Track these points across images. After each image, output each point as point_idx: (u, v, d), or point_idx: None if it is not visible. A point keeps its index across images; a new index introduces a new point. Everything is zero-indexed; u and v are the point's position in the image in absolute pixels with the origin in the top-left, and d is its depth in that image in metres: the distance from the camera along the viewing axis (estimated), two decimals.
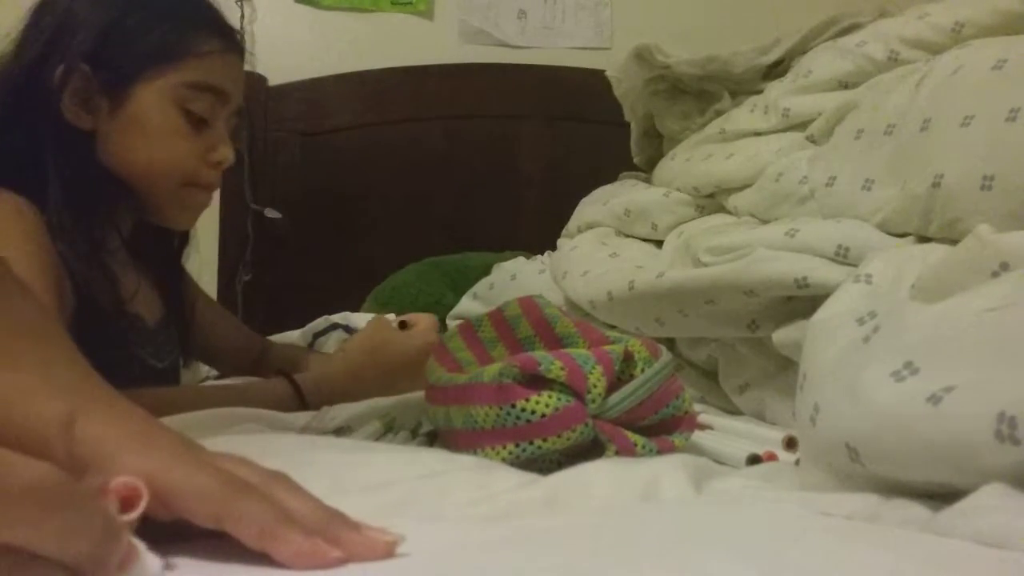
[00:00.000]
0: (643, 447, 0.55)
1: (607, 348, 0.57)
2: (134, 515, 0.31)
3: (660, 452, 0.56)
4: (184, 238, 1.02)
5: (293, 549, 0.32)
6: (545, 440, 0.53)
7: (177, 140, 0.85)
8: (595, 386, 0.54)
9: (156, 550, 0.32)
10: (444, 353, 0.69)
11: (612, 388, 0.55)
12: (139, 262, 0.93)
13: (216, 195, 1.91)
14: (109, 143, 0.84)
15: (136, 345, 0.88)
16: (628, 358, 0.57)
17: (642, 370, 0.57)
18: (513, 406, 0.53)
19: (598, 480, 0.47)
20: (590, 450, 0.54)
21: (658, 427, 0.57)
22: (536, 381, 0.54)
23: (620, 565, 0.31)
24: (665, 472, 0.48)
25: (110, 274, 0.83)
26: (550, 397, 0.53)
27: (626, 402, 0.55)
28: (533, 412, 0.53)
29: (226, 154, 0.89)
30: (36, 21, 0.84)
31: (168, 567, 0.32)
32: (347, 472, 0.46)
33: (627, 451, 0.54)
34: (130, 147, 0.84)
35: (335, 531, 0.34)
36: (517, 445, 0.54)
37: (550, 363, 0.54)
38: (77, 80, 0.81)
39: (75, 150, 0.81)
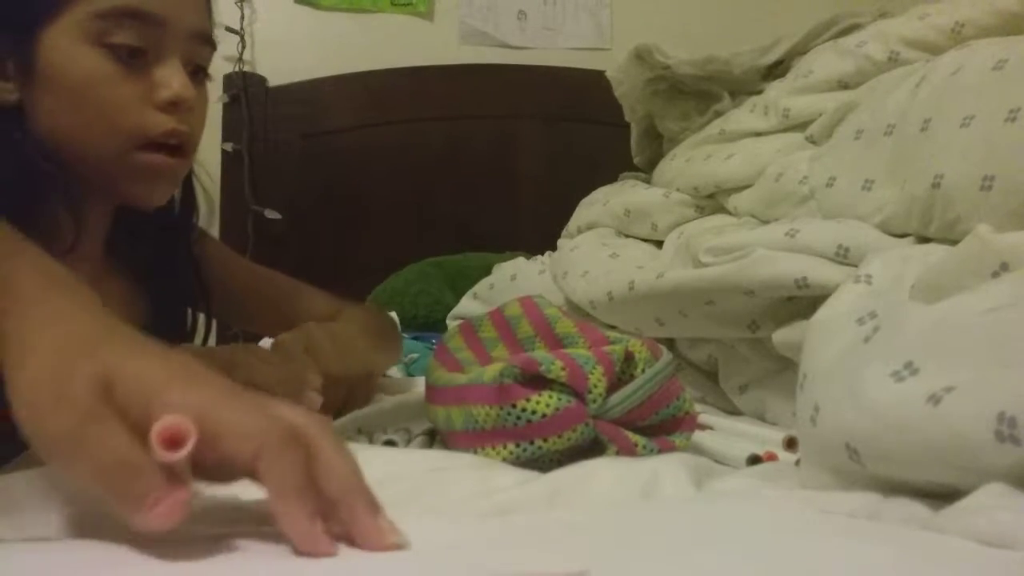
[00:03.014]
0: (644, 447, 0.55)
1: (608, 348, 0.57)
2: (182, 453, 0.31)
3: (661, 452, 0.56)
4: (180, 227, 0.86)
5: (295, 527, 0.32)
6: (546, 440, 0.53)
7: (105, 87, 0.68)
8: (596, 386, 0.54)
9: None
10: (444, 353, 0.69)
11: (613, 388, 0.55)
12: (118, 265, 0.81)
13: (216, 196, 1.91)
14: (36, 114, 0.69)
15: None
16: (629, 358, 0.57)
17: (643, 370, 0.57)
18: (514, 406, 0.53)
19: (599, 477, 0.47)
20: (591, 450, 0.54)
21: (659, 427, 0.58)
22: (537, 381, 0.54)
23: (620, 562, 0.31)
24: (665, 470, 0.48)
25: None
26: (551, 397, 0.53)
27: (627, 402, 0.55)
28: (534, 412, 0.53)
29: (177, 88, 0.70)
30: None
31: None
32: None
33: (628, 451, 0.54)
34: (57, 112, 0.69)
35: (351, 506, 0.34)
36: (518, 445, 0.54)
37: (551, 363, 0.54)
38: None
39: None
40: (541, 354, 0.56)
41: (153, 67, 0.70)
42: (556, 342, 0.65)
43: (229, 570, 0.32)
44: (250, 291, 0.96)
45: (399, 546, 0.34)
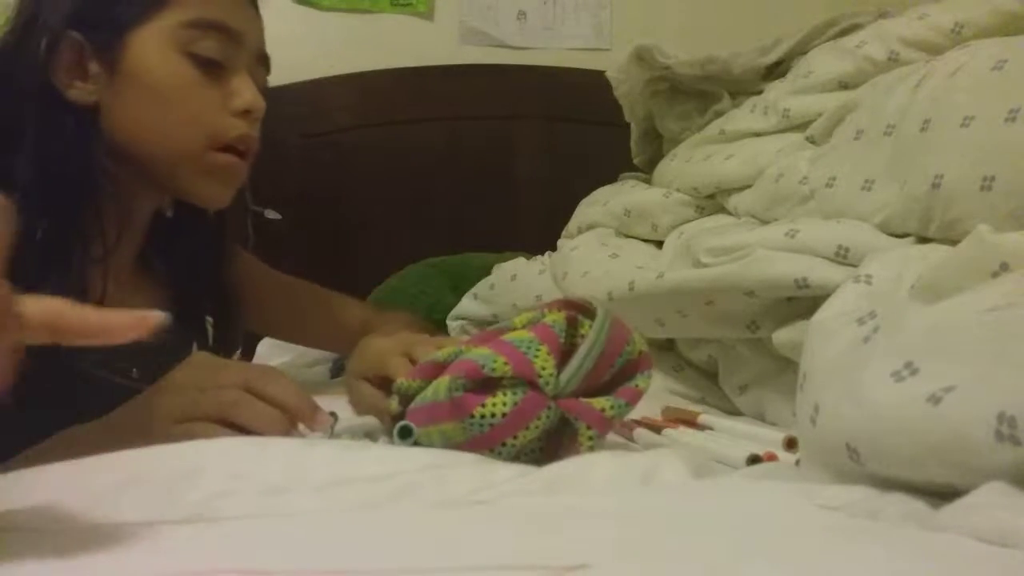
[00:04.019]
0: (611, 408, 0.54)
1: (548, 321, 0.55)
2: None
3: (628, 403, 0.55)
4: (213, 239, 0.90)
5: None
6: (515, 437, 0.53)
7: (190, 91, 0.73)
8: (544, 368, 0.53)
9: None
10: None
11: (564, 360, 0.54)
12: (147, 275, 0.83)
13: None
14: (114, 114, 0.72)
15: (114, 363, 0.73)
16: (572, 323, 0.56)
17: (589, 327, 0.56)
18: (472, 416, 0.53)
19: (598, 468, 0.47)
20: (562, 428, 0.54)
21: (619, 376, 0.57)
22: (487, 384, 0.53)
23: (619, 551, 0.31)
24: (665, 462, 0.48)
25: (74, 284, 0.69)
26: (504, 395, 0.52)
27: (581, 371, 0.54)
28: (493, 416, 0.52)
29: (251, 99, 0.76)
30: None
31: None
32: (347, 465, 0.46)
33: (597, 422, 0.53)
34: (138, 112, 0.73)
35: None
36: (492, 450, 0.53)
37: (492, 360, 0.53)
38: (67, 49, 0.70)
39: (68, 132, 0.70)
40: (480, 352, 0.54)
41: (227, 79, 0.75)
42: (493, 333, 0.61)
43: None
44: (286, 303, 0.99)
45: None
